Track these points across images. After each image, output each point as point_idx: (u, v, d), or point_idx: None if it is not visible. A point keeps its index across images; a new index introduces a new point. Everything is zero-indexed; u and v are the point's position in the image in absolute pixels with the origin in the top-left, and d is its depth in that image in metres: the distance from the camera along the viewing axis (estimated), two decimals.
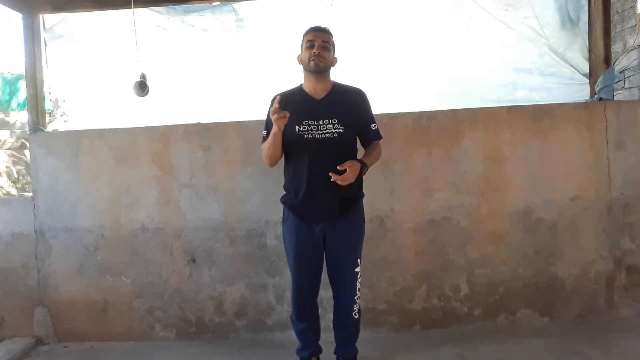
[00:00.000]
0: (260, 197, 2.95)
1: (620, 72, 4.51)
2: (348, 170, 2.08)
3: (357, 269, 2.32)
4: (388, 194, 2.95)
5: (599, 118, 2.96)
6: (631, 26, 4.59)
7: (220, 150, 3.00)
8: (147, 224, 3.02)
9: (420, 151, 2.95)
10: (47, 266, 3.06)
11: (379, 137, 2.37)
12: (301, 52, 2.27)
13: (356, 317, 2.36)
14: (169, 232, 3.01)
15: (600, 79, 3.01)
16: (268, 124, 2.28)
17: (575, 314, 2.97)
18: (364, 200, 2.37)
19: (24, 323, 3.07)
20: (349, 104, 2.27)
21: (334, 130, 2.20)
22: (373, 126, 2.34)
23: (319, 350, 2.49)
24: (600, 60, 3.04)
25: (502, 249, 2.96)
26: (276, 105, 2.05)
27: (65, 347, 3.02)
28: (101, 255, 3.04)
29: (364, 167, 2.19)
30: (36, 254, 3.07)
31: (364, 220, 2.39)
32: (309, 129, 2.21)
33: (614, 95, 3.03)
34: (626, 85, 4.67)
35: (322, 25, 2.28)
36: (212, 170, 3.00)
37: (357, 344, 2.45)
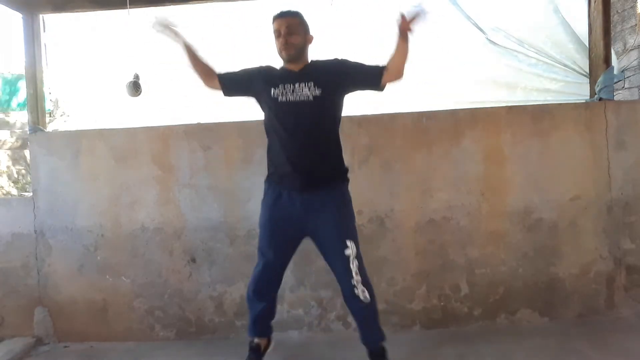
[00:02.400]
0: (260, 197, 2.92)
1: (620, 72, 4.51)
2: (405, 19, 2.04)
3: (348, 252, 2.17)
4: (388, 194, 2.94)
5: (599, 118, 2.96)
6: (631, 26, 4.59)
7: (220, 150, 2.99)
8: (147, 224, 3.02)
9: (420, 151, 2.95)
10: (47, 266, 3.06)
11: (382, 65, 2.20)
12: None
13: (366, 301, 2.20)
14: (169, 232, 3.01)
15: (600, 79, 3.01)
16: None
17: (575, 314, 2.97)
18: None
19: (24, 323, 3.06)
20: (328, 68, 2.25)
21: (309, 94, 2.17)
22: (367, 65, 2.22)
23: (270, 330, 2.48)
24: (600, 60, 3.04)
25: (502, 249, 2.96)
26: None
27: (65, 347, 3.01)
28: (101, 255, 3.04)
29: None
30: (36, 254, 3.07)
31: (350, 201, 2.31)
32: (284, 91, 2.19)
33: (614, 95, 3.03)
34: (626, 85, 4.68)
35: (286, 9, 2.24)
36: (212, 170, 2.99)
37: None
